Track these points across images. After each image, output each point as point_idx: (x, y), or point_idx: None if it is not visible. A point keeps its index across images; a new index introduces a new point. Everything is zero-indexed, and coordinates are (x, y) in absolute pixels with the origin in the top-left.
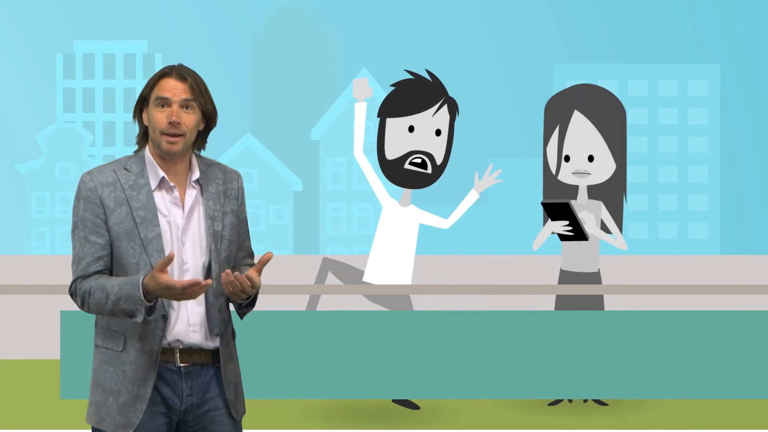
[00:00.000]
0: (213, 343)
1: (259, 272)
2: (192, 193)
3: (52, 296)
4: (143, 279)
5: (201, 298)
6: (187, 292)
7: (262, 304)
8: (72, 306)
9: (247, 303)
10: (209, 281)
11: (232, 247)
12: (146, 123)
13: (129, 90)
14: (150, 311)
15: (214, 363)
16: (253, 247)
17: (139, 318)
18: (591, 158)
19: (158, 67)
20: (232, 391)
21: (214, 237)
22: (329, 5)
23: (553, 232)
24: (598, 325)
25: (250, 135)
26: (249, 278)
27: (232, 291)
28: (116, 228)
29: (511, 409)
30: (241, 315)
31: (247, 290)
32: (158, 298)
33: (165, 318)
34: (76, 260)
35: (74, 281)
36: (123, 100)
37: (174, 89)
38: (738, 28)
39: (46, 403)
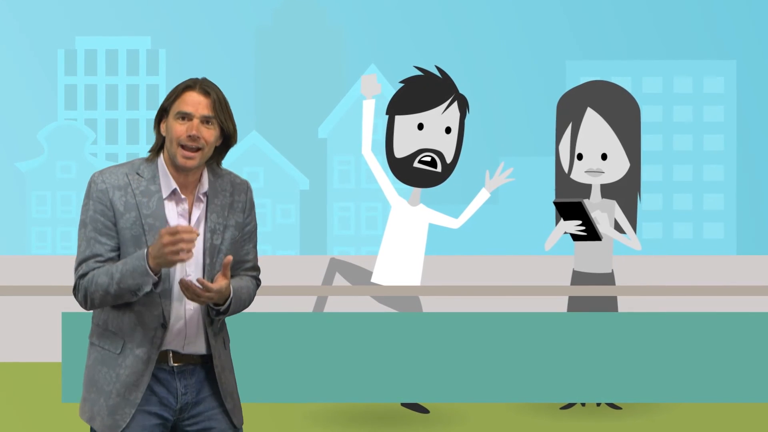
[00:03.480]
0: (206, 352)
1: (225, 276)
2: (200, 206)
3: (53, 297)
4: (147, 249)
5: (198, 306)
6: (169, 242)
7: (268, 305)
8: (73, 307)
9: (222, 309)
10: (190, 227)
11: None
12: (164, 134)
13: (132, 87)
14: (156, 284)
15: (204, 363)
16: (259, 247)
17: (146, 290)
18: (604, 156)
19: (161, 63)
20: (230, 400)
21: (210, 251)
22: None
23: (565, 232)
24: (611, 327)
25: (256, 133)
26: (201, 282)
27: (189, 297)
28: (124, 232)
29: (523, 412)
30: (210, 320)
31: (200, 294)
32: (161, 271)
33: (164, 327)
34: (83, 259)
35: (78, 278)
36: (126, 97)
37: (197, 104)
38: (755, 23)
39: (48, 406)
